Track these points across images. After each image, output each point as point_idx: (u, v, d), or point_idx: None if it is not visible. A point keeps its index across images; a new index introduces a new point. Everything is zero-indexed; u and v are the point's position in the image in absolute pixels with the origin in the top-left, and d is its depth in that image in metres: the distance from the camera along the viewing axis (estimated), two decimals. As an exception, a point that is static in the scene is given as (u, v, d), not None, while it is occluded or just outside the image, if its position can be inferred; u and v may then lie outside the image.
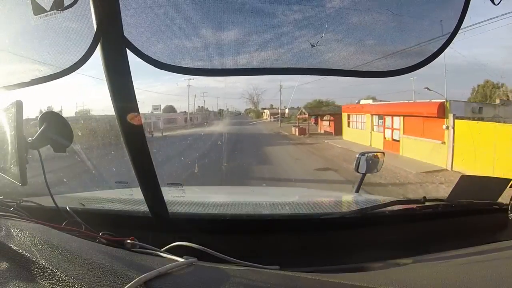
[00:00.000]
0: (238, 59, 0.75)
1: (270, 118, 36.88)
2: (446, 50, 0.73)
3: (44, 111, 0.85)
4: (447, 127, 10.52)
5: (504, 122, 9.97)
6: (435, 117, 10.98)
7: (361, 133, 15.66)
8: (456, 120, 10.36)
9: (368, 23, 0.74)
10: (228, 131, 21.32)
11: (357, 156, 1.76)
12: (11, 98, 0.79)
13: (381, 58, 0.75)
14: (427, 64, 0.74)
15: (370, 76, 0.76)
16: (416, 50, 0.75)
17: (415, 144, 11.81)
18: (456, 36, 0.72)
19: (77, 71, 0.74)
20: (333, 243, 1.01)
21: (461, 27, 0.72)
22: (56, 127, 0.84)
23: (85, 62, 0.72)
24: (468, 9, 0.71)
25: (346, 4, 0.76)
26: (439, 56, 0.73)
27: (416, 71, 0.75)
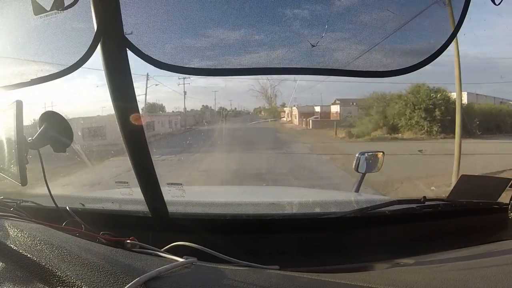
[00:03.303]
0: (240, 59, 0.75)
1: (302, 120, 20.56)
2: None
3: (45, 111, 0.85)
4: None
5: None
6: None
7: None
8: None
9: (369, 23, 0.74)
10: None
11: (356, 155, 1.76)
12: (11, 98, 0.78)
13: (381, 58, 0.75)
14: (429, 63, 0.74)
15: (372, 76, 0.77)
16: (417, 50, 0.75)
17: None
18: (458, 35, 0.72)
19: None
20: (333, 243, 1.01)
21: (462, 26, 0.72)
22: (56, 126, 0.84)
23: (85, 62, 0.72)
24: (469, 9, 0.71)
25: (347, 4, 0.76)
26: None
27: (421, 69, 0.75)
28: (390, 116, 15.07)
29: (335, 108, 19.59)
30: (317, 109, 20.76)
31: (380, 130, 14.67)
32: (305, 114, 20.45)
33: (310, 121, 19.29)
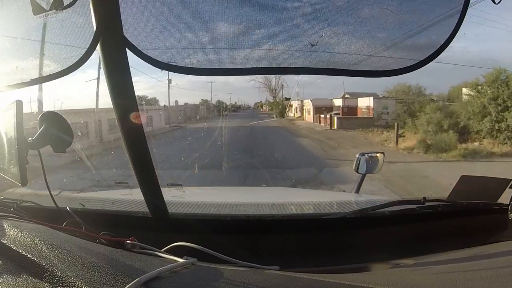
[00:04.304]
0: (241, 58, 0.75)
1: (319, 117, 15.31)
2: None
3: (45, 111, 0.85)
4: None
5: None
6: None
7: None
8: None
9: (370, 22, 0.74)
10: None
11: (357, 156, 1.76)
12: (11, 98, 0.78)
13: (383, 58, 0.75)
14: (431, 61, 0.74)
15: (374, 75, 0.77)
16: (419, 47, 0.75)
17: None
18: (458, 35, 0.72)
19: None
20: (333, 243, 1.01)
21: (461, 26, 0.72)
22: (56, 127, 0.84)
23: (85, 62, 0.72)
24: (468, 8, 0.71)
25: (347, 3, 0.76)
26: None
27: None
28: (462, 116, 10.18)
29: (364, 102, 13.75)
30: (337, 102, 15.54)
31: (445, 135, 9.95)
32: (321, 108, 15.53)
33: (336, 118, 13.62)
